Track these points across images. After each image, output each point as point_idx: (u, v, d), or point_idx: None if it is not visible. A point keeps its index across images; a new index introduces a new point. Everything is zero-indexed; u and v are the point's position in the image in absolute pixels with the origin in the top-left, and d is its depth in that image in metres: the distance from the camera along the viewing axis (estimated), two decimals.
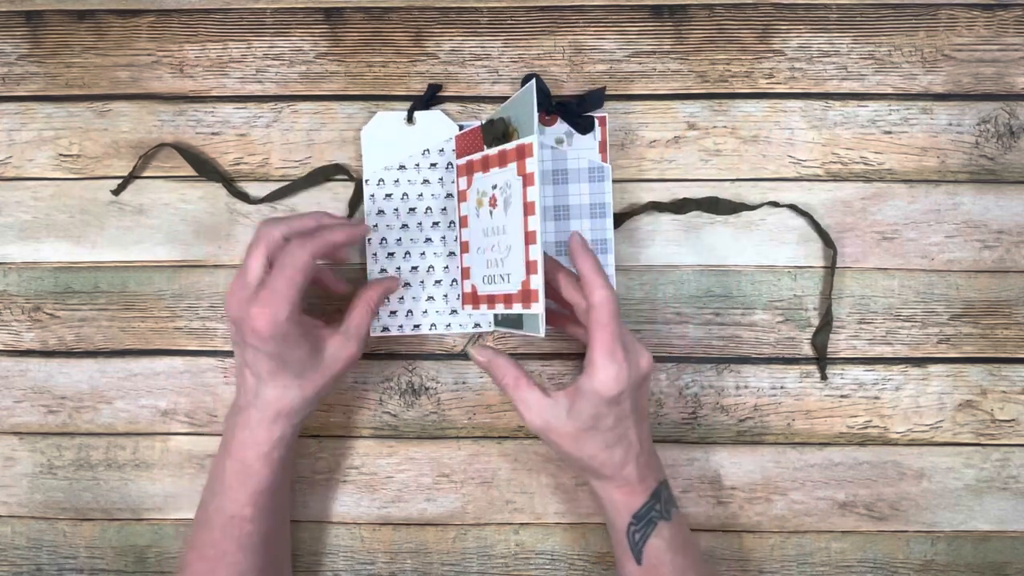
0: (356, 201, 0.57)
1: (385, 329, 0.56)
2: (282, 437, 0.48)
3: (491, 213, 0.51)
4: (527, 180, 0.48)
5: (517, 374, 0.50)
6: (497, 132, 0.52)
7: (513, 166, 0.49)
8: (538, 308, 0.47)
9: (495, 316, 0.55)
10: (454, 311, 0.56)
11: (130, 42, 0.58)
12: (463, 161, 0.55)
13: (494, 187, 0.51)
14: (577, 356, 0.58)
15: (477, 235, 0.53)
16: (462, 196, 0.55)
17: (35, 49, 0.59)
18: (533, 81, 0.48)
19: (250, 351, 0.46)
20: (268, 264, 0.46)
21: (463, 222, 0.55)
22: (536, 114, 0.47)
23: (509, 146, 0.50)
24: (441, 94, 0.58)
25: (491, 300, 0.52)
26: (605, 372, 0.46)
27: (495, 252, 0.51)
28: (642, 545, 0.48)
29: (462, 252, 0.55)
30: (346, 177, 0.57)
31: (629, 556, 0.48)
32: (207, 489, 0.50)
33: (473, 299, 0.54)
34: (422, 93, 0.58)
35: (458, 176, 0.55)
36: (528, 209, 0.48)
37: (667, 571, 0.48)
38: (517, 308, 0.49)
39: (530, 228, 0.47)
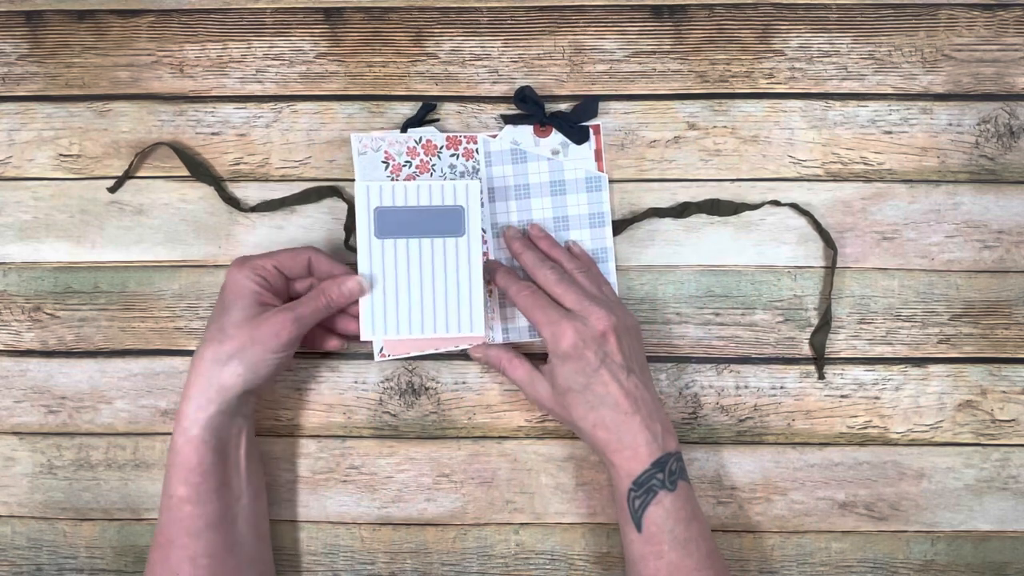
0: (351, 223, 0.57)
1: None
2: (208, 420, 0.48)
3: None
4: None
5: (509, 356, 0.54)
6: None
7: None
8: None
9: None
10: None
11: (130, 42, 0.58)
12: None
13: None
14: None
15: None
16: None
17: (35, 49, 0.59)
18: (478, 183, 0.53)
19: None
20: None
21: None
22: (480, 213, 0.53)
23: None
24: (441, 95, 0.58)
25: None
26: (546, 332, 0.51)
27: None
28: (641, 512, 0.48)
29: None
30: (339, 198, 0.57)
31: (630, 523, 0.49)
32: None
33: None
34: (422, 93, 0.58)
35: None
36: None
37: (666, 540, 0.48)
38: None
39: None
